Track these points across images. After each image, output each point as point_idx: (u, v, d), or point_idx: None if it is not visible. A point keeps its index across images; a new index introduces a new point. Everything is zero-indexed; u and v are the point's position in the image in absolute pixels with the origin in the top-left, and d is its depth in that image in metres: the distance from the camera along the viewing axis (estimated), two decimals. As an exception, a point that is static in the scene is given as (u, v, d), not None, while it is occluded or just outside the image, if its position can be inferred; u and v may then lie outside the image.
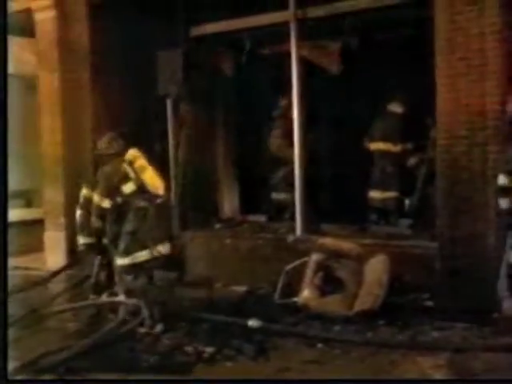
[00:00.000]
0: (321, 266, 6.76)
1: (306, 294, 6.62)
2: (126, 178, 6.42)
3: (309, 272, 6.73)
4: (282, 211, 9.02)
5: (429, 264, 6.66)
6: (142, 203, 6.36)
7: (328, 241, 7.01)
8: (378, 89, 8.45)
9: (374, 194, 8.53)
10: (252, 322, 6.10)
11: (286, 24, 8.14)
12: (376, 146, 8.54)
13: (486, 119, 6.35)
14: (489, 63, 6.36)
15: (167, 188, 6.68)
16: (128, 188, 6.39)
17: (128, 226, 6.33)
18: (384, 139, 8.45)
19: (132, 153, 6.57)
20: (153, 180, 6.50)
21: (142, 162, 6.53)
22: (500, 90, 6.32)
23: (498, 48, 6.34)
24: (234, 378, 5.11)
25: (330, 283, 6.68)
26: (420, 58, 7.12)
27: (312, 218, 8.19)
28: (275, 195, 9.16)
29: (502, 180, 5.28)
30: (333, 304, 6.52)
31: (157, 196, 6.48)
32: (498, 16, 6.34)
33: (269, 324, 6.13)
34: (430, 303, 6.63)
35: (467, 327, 5.96)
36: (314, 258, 6.80)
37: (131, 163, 6.50)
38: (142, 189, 6.43)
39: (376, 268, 6.62)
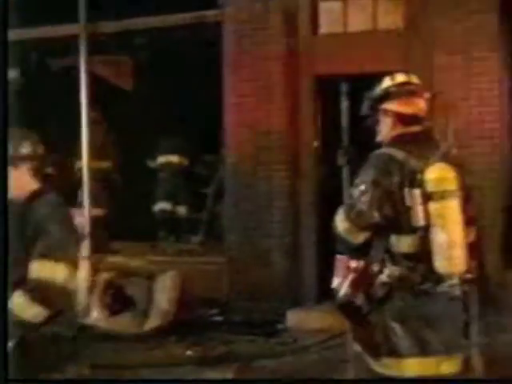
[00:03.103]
0: (110, 285, 6.61)
1: (94, 314, 6.42)
2: None
3: (97, 291, 6.55)
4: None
5: (219, 279, 6.78)
6: None
7: (117, 259, 6.89)
8: (170, 105, 8.50)
9: (164, 206, 8.60)
10: None
11: (76, 37, 7.88)
12: (165, 158, 8.64)
13: (271, 139, 6.64)
14: (274, 85, 6.67)
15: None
16: None
17: None
18: (174, 152, 8.60)
19: None
20: None
21: None
22: (285, 112, 6.65)
23: (283, 72, 6.67)
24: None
25: (119, 302, 6.56)
26: (211, 74, 7.25)
27: (101, 237, 7.99)
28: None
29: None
30: (123, 323, 6.40)
31: None
32: (283, 41, 6.69)
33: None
34: (219, 318, 6.74)
35: (254, 339, 6.16)
36: (103, 276, 6.64)
37: None
38: None
39: (166, 285, 6.60)
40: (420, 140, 3.06)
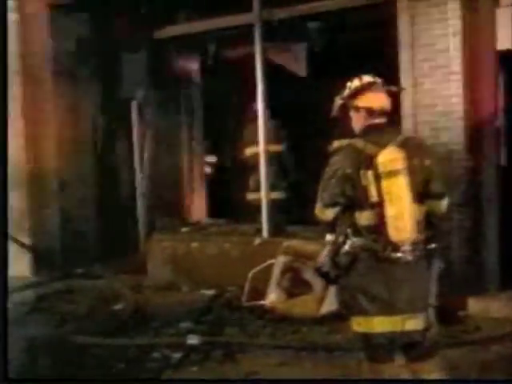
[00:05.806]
0: (287, 268, 6.72)
1: (273, 296, 6.57)
2: None
3: (275, 274, 6.69)
4: (253, 213, 8.88)
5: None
6: None
7: (294, 243, 6.97)
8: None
9: None
10: (191, 339, 5.86)
11: (250, 26, 8.08)
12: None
13: (450, 120, 6.41)
14: (453, 64, 6.42)
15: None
16: None
17: None
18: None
19: None
20: None
21: None
22: (464, 91, 6.38)
23: (462, 49, 6.40)
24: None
25: (297, 285, 6.66)
26: (383, 59, 7.12)
27: (279, 220, 8.16)
28: (251, 196, 8.95)
29: None
30: (300, 306, 6.48)
31: None
32: (460, 18, 6.40)
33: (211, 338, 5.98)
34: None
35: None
36: (281, 260, 6.76)
37: None
38: None
39: (343, 269, 6.60)
40: (384, 129, 3.65)
